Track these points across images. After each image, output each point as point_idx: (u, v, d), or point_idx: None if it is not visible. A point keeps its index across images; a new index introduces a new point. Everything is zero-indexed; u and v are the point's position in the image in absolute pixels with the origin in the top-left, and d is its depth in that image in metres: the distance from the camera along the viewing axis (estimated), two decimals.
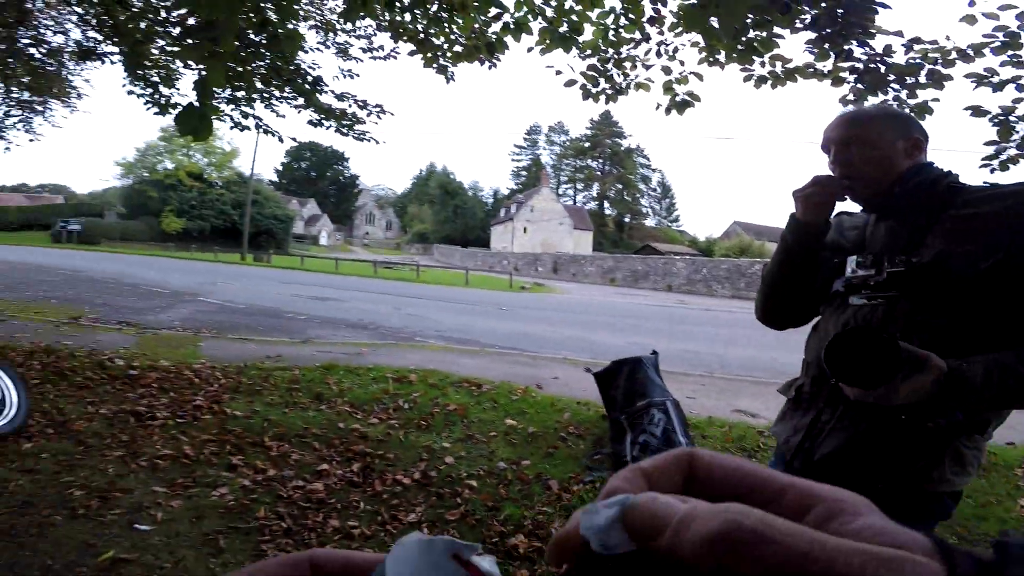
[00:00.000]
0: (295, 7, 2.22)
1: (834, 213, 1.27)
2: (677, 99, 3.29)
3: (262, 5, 2.27)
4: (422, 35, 3.78)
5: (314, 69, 5.62)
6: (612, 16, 3.00)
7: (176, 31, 4.60)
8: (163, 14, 4.66)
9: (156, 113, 5.88)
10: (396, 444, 3.58)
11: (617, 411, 3.57)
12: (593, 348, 8.15)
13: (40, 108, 9.75)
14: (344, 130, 6.51)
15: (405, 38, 3.90)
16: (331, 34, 6.23)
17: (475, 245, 63.73)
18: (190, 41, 2.33)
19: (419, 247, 70.47)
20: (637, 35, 3.01)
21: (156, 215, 42.46)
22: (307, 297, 13.15)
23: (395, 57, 5.35)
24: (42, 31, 7.17)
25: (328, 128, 6.46)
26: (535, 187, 63.68)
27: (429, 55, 3.83)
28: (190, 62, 2.03)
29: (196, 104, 2.00)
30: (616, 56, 3.26)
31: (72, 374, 4.56)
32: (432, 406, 4.33)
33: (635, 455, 3.17)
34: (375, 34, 5.94)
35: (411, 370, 5.40)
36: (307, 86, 5.42)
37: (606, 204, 77.18)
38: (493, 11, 3.12)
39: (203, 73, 2.07)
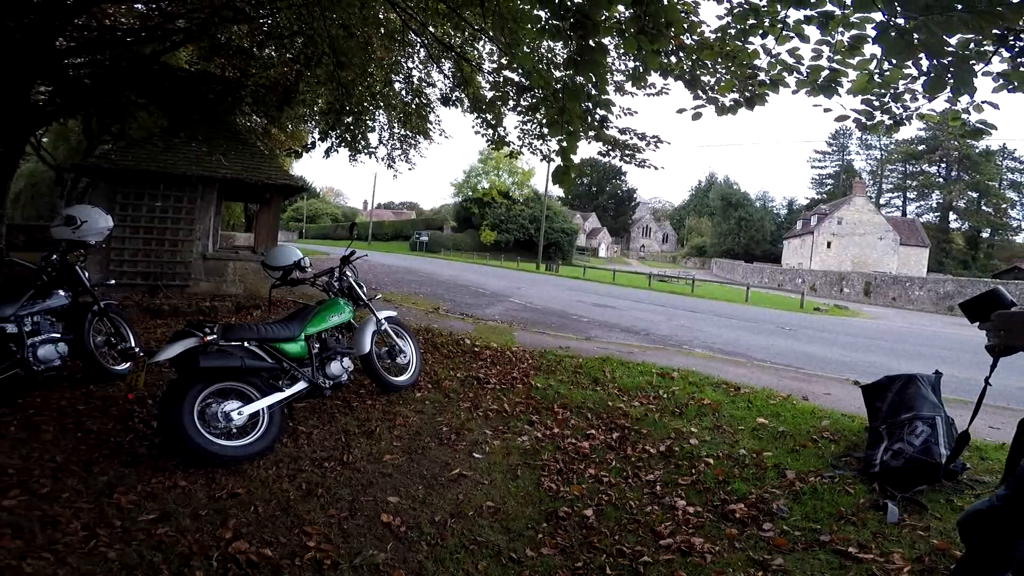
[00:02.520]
0: (606, 84, 3.12)
1: None
2: (968, 128, 3.19)
3: (589, 90, 3.20)
4: (688, 76, 4.22)
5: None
6: (875, 62, 3.12)
7: (523, 104, 6.28)
8: (510, 91, 6.43)
9: (494, 148, 8.01)
10: (650, 423, 4.36)
11: (879, 421, 3.63)
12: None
13: (414, 143, 13.66)
14: (627, 159, 7.61)
15: (675, 74, 4.35)
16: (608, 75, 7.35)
17: (762, 260, 58.71)
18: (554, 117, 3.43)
19: (696, 261, 68.49)
20: (914, 70, 3.07)
21: (477, 228, 51.86)
22: (588, 303, 14.82)
23: (667, 93, 5.95)
24: (418, 84, 10.29)
25: (615, 158, 7.63)
26: (845, 196, 55.13)
27: (699, 91, 4.32)
28: (556, 137, 3.03)
29: (561, 165, 2.94)
30: (893, 91, 3.35)
31: (442, 347, 6.67)
32: (687, 399, 4.97)
33: (884, 459, 3.25)
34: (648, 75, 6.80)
35: (674, 369, 6.10)
36: (596, 123, 6.54)
37: (952, 216, 62.04)
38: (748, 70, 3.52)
39: (563, 144, 2.98)
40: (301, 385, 3.75)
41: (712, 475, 3.42)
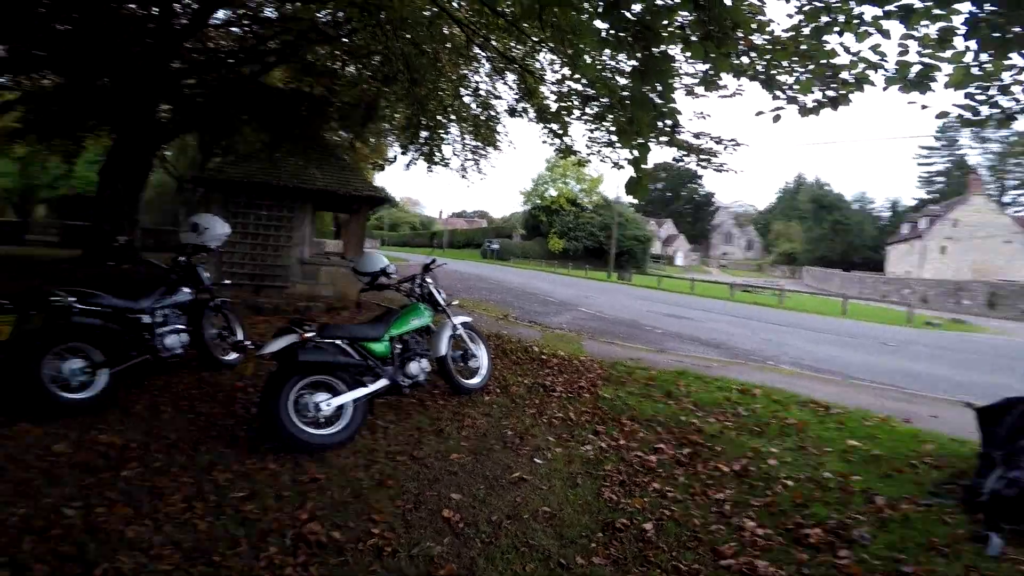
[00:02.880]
0: (672, 91, 3.07)
1: None
2: None
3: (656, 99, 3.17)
4: (763, 76, 4.02)
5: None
6: (970, 54, 2.85)
7: (588, 112, 6.36)
8: (574, 101, 6.49)
9: (561, 157, 8.07)
10: (726, 441, 4.20)
11: (994, 447, 3.29)
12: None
13: (484, 153, 14.04)
14: (704, 163, 7.40)
15: (749, 75, 4.16)
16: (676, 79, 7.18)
17: (862, 268, 54.02)
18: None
19: (785, 269, 64.30)
20: (1020, 60, 2.77)
21: (545, 236, 51.89)
22: (662, 314, 14.42)
23: (740, 95, 5.76)
24: (485, 97, 10.58)
25: (689, 163, 7.44)
26: (960, 196, 49.67)
27: (777, 92, 4.11)
28: (626, 147, 3.04)
29: (634, 175, 2.94)
30: (999, 83, 3.04)
31: (511, 354, 6.79)
32: (770, 417, 4.73)
33: (995, 487, 2.94)
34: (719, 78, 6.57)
35: (756, 385, 5.81)
36: (668, 128, 6.39)
37: None
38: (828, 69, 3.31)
39: (635, 154, 2.97)
40: (383, 382, 4.00)
41: (789, 497, 3.26)
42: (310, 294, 9.45)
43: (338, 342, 3.79)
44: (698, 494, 3.32)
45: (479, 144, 11.84)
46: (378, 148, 17.64)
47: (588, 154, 8.10)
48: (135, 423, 3.64)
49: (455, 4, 6.99)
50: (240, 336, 5.33)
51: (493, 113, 10.59)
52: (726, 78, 3.97)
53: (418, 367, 4.38)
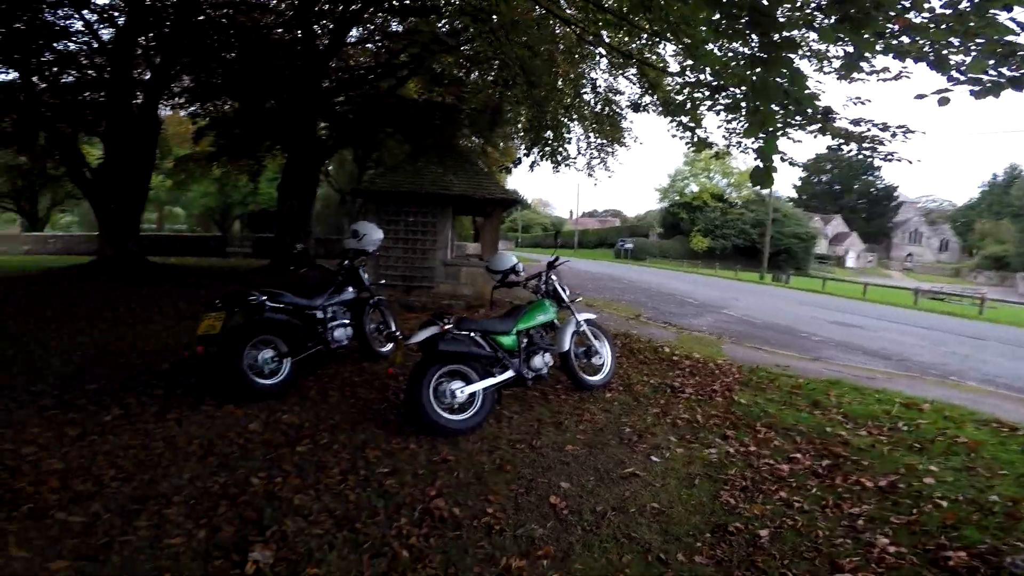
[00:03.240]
0: (804, 78, 2.84)
1: None
2: None
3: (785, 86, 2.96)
4: (932, 56, 3.51)
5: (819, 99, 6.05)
6: None
7: (719, 102, 6.07)
8: (702, 92, 6.22)
9: (693, 150, 7.74)
10: (875, 455, 3.77)
11: None
12: None
13: (610, 151, 13.90)
14: (866, 153, 6.60)
15: (912, 55, 3.68)
16: (824, 62, 6.45)
17: None
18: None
19: (991, 275, 53.53)
20: None
21: (686, 234, 49.20)
22: (825, 320, 12.99)
23: (907, 77, 5.05)
24: (605, 93, 10.50)
25: (849, 152, 6.69)
26: None
27: (952, 73, 3.57)
28: (750, 137, 2.93)
29: (760, 165, 2.81)
30: None
31: (638, 353, 6.71)
32: (936, 434, 4.15)
33: None
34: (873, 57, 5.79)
35: (926, 400, 5.09)
36: (818, 115, 5.81)
37: None
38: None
39: (761, 146, 2.84)
40: (510, 373, 4.29)
41: (939, 518, 2.89)
42: (452, 293, 10.19)
43: (472, 334, 4.14)
44: (830, 507, 3.07)
45: (604, 141, 11.81)
46: (507, 151, 18.37)
47: (726, 146, 7.66)
48: (309, 405, 4.30)
49: (562, 3, 7.08)
50: (394, 329, 6.01)
51: (616, 109, 10.50)
52: (884, 60, 3.55)
53: (541, 361, 4.59)
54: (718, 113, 6.85)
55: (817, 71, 6.80)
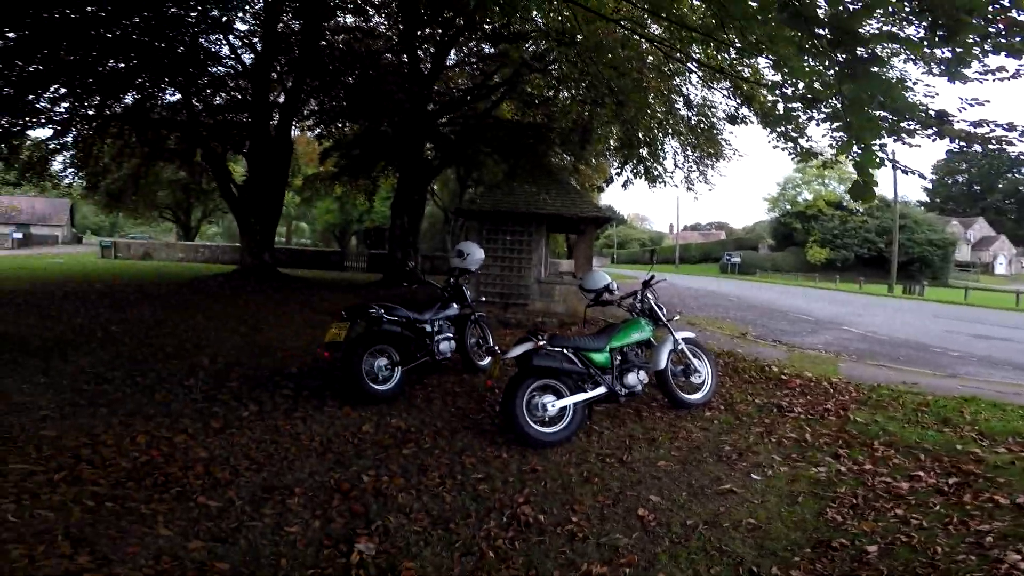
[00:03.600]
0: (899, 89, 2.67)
1: None
2: None
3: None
4: None
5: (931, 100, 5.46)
6: None
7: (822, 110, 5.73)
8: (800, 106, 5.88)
9: (799, 161, 7.30)
10: (1014, 472, 3.40)
11: None
12: None
13: (709, 164, 13.39)
14: (995, 151, 5.88)
15: None
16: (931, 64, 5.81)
17: None
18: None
19: None
20: None
21: (800, 245, 45.60)
22: (966, 334, 11.53)
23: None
24: (700, 106, 10.16)
25: (978, 153, 6.00)
26: None
27: None
28: (843, 153, 2.82)
29: (859, 180, 2.73)
30: None
31: (742, 372, 6.42)
32: None
33: None
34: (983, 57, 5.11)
35: None
36: (930, 120, 5.32)
37: None
38: None
39: (857, 160, 2.75)
40: (601, 390, 4.35)
41: None
42: (546, 310, 10.36)
43: (564, 351, 4.26)
44: (954, 524, 2.81)
45: (701, 154, 11.46)
46: (600, 168, 18.33)
47: (834, 155, 7.14)
48: (415, 411, 4.65)
49: (647, 21, 7.01)
50: (491, 343, 6.30)
51: (713, 121, 10.19)
52: (997, 59, 3.21)
53: (635, 378, 4.58)
54: (818, 124, 6.44)
55: (926, 73, 6.19)
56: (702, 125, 11.19)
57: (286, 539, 2.65)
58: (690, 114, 10.78)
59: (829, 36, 2.32)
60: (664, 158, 12.10)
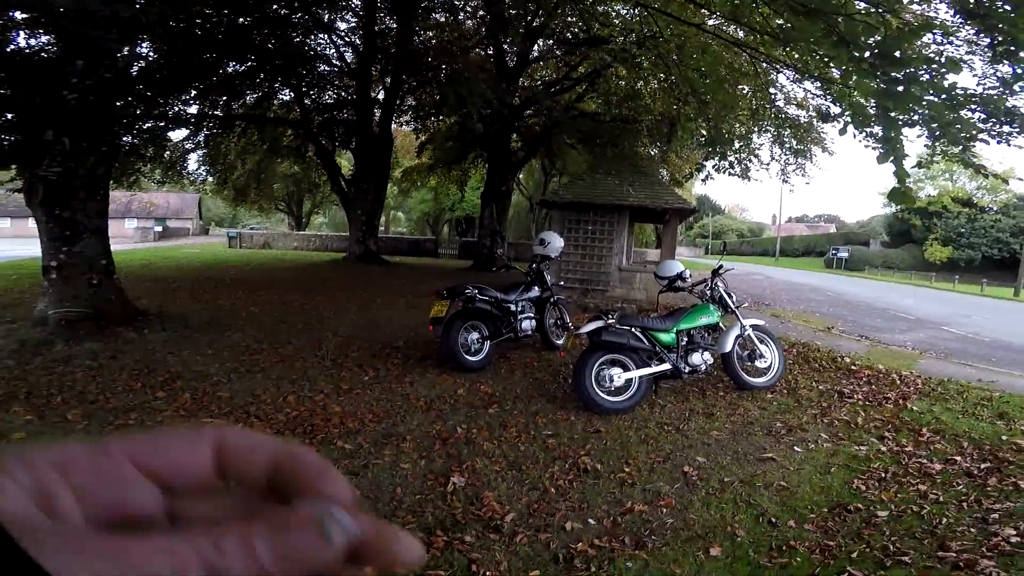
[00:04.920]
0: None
1: None
2: None
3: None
4: None
5: None
6: None
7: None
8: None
9: (883, 160, 7.22)
10: None
11: None
12: None
13: (807, 155, 13.01)
14: None
15: None
16: None
17: None
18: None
19: None
20: None
21: (919, 243, 41.68)
22: None
23: None
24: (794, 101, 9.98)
25: None
26: None
27: None
28: (881, 164, 3.13)
29: (897, 187, 3.10)
30: None
31: (813, 362, 6.60)
32: None
33: None
34: None
35: None
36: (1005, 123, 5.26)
37: None
38: None
39: (894, 171, 3.13)
40: (665, 366, 4.90)
41: None
42: (626, 297, 10.82)
43: (632, 329, 4.83)
44: (969, 502, 3.12)
45: (799, 147, 11.24)
46: (690, 158, 18.16)
47: (930, 154, 6.96)
48: (499, 380, 5.44)
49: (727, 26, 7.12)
50: (568, 324, 6.97)
51: (808, 115, 10.03)
52: None
53: (700, 358, 5.08)
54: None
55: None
56: (800, 119, 11.02)
57: (400, 473, 3.46)
58: (782, 108, 10.66)
59: (873, 60, 2.64)
60: (759, 150, 12.00)
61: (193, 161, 19.52)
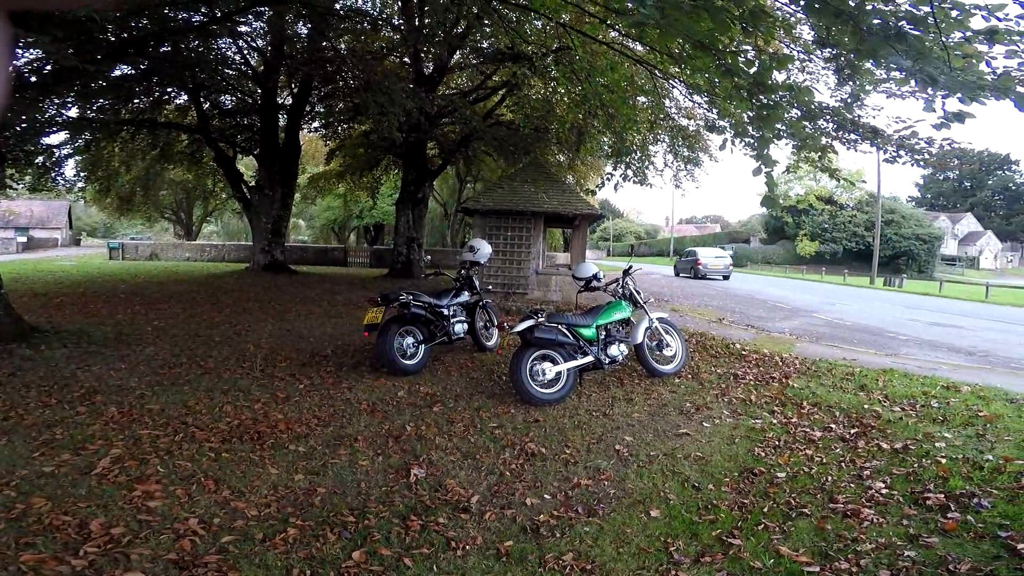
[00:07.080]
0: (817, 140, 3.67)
1: None
2: None
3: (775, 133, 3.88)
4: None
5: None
6: None
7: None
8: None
9: (758, 167, 8.41)
10: (900, 426, 4.44)
11: None
12: None
13: (696, 162, 14.49)
14: (919, 160, 6.99)
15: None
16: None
17: None
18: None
19: None
20: None
21: (792, 239, 46.85)
22: (924, 322, 12.62)
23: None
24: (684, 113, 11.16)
25: (904, 161, 7.11)
26: None
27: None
28: (756, 176, 3.82)
29: (767, 194, 3.76)
30: None
31: (710, 349, 7.49)
32: (963, 409, 4.71)
33: None
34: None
35: (968, 384, 5.57)
36: (869, 132, 6.38)
37: None
38: None
39: (766, 180, 3.91)
40: (589, 359, 5.40)
41: (934, 471, 3.54)
42: (543, 299, 11.42)
43: (559, 326, 5.30)
44: (845, 462, 3.83)
45: (689, 154, 12.48)
46: (595, 166, 19.37)
47: (795, 161, 8.16)
48: (437, 381, 5.67)
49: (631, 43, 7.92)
50: (496, 323, 7.34)
51: (697, 125, 11.19)
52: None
53: (617, 350, 5.66)
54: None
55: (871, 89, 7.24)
56: (690, 128, 12.21)
57: (360, 470, 3.61)
58: (676, 119, 11.78)
59: (749, 85, 3.26)
60: (654, 157, 13.13)
61: (71, 167, 17.61)
